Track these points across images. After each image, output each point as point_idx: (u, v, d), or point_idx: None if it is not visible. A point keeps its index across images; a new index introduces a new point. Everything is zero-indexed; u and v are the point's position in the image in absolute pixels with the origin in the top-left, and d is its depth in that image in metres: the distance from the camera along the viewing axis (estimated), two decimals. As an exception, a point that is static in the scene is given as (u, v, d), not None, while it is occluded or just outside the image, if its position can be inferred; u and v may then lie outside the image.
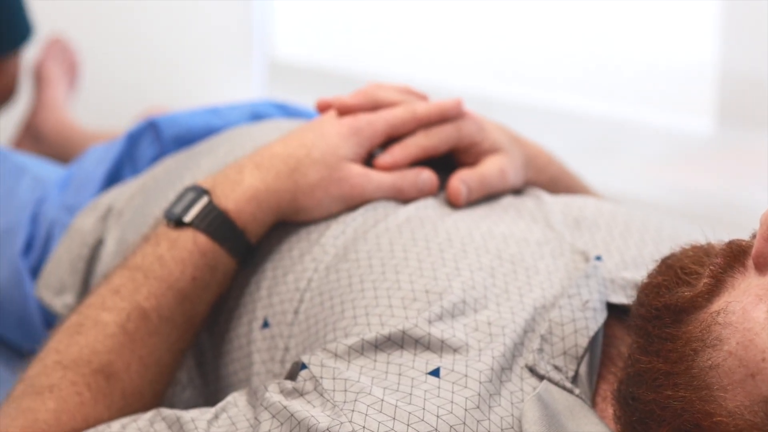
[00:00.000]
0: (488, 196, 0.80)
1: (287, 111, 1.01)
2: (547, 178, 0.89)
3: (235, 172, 0.72)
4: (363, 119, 0.75)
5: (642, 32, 1.96)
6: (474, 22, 2.23)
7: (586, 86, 2.08)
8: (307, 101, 2.60)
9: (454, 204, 0.77)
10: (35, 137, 1.72)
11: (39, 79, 1.78)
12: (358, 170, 0.74)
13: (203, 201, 0.70)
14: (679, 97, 1.94)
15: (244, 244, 0.71)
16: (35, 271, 0.94)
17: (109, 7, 2.39)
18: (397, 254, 0.68)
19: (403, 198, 0.76)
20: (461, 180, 0.77)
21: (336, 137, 0.74)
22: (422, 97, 0.82)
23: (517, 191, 0.84)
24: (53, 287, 0.90)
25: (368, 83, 0.80)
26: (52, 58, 1.80)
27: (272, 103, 1.02)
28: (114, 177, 0.95)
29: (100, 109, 2.25)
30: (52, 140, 1.68)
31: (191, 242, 0.69)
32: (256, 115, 0.98)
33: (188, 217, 0.70)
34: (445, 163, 0.82)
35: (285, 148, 0.73)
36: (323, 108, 0.79)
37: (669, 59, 1.93)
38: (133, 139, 0.96)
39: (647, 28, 1.95)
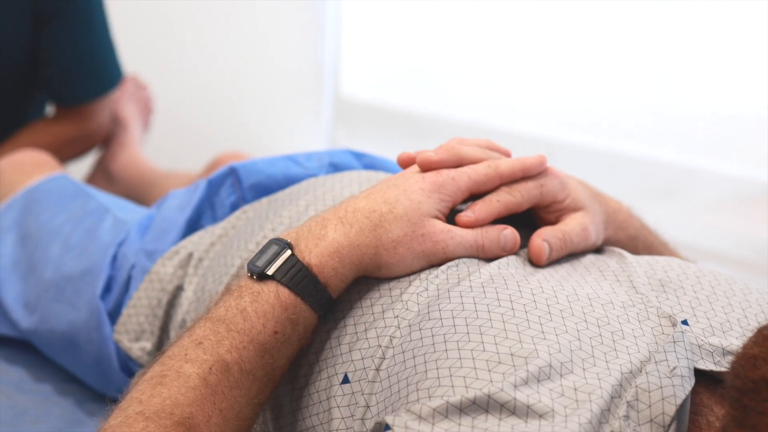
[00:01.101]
0: (570, 254, 0.79)
1: (365, 160, 1.02)
2: (627, 235, 0.88)
3: (319, 227, 0.72)
4: (446, 175, 0.75)
5: (703, 81, 1.96)
6: (541, 68, 2.23)
7: (647, 132, 2.07)
8: (372, 138, 2.63)
9: (536, 262, 0.76)
10: (108, 175, 1.74)
11: (114, 118, 1.81)
12: (441, 227, 0.73)
13: (286, 254, 0.71)
14: (739, 145, 1.93)
15: (326, 299, 0.71)
16: (113, 314, 0.95)
17: (182, 47, 2.44)
18: (482, 314, 0.67)
19: (485, 255, 0.75)
20: (543, 238, 0.76)
21: (419, 193, 0.73)
22: (505, 153, 0.82)
23: (599, 249, 0.84)
24: (132, 332, 0.91)
25: (451, 138, 0.80)
26: (127, 97, 1.82)
27: (350, 152, 1.02)
28: (194, 223, 0.96)
29: (172, 147, 2.28)
30: (124, 179, 1.71)
31: (274, 296, 0.70)
32: (334, 164, 0.99)
33: (271, 270, 0.70)
34: (526, 219, 0.81)
35: (368, 203, 0.73)
36: (405, 162, 0.79)
37: (730, 107, 1.92)
38: (214, 186, 0.97)
39: (709, 77, 1.94)
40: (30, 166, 1.22)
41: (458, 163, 0.77)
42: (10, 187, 1.19)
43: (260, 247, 0.73)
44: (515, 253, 0.77)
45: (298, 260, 0.70)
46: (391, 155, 2.47)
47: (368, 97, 2.66)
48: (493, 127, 2.34)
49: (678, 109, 2.02)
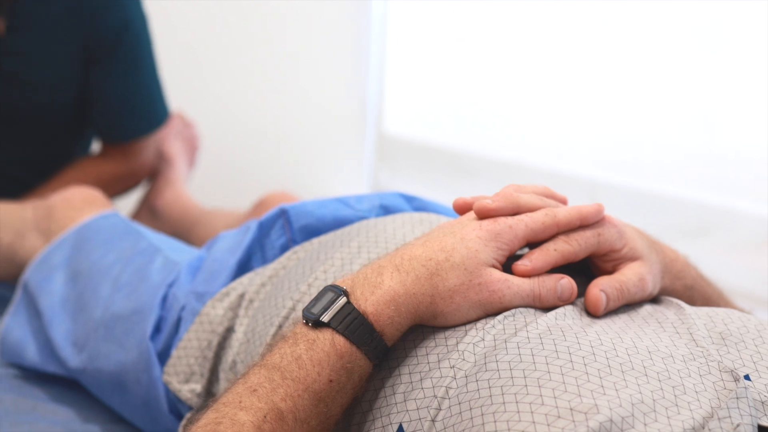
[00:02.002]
0: (627, 304, 0.78)
1: (415, 203, 1.01)
2: (684, 285, 0.87)
3: (375, 274, 0.72)
4: (503, 223, 0.74)
5: (741, 122, 1.95)
6: (583, 108, 2.22)
7: (684, 172, 2.06)
8: (414, 176, 2.62)
9: (593, 313, 0.75)
10: (153, 212, 1.75)
11: (160, 154, 1.82)
12: (498, 276, 0.73)
13: (342, 302, 0.70)
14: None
15: (382, 348, 0.70)
16: (162, 355, 0.95)
17: (227, 85, 2.47)
18: (540, 367, 0.66)
19: (542, 305, 0.74)
20: (601, 288, 0.75)
21: (476, 242, 0.73)
22: (562, 200, 0.81)
23: (655, 299, 0.82)
24: (181, 374, 0.91)
25: (507, 185, 0.80)
26: (173, 135, 1.84)
27: (400, 195, 1.02)
28: (244, 264, 0.96)
29: (216, 184, 2.30)
30: (169, 216, 1.71)
31: (329, 344, 0.69)
32: (385, 207, 0.99)
33: (327, 318, 0.70)
34: (583, 268, 0.80)
35: (425, 250, 0.73)
36: (461, 209, 0.79)
37: (762, 148, 1.90)
38: (264, 228, 0.97)
39: (746, 118, 1.93)
40: (81, 203, 1.23)
41: (515, 211, 0.76)
42: (62, 223, 1.20)
43: (315, 293, 0.72)
44: (572, 303, 0.76)
45: (354, 308, 0.70)
46: (434, 193, 2.48)
47: (411, 134, 2.67)
48: (535, 166, 2.33)
49: (715, 150, 2.01)
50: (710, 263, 1.74)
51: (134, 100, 1.66)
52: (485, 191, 2.37)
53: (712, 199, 1.99)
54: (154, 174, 1.80)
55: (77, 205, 1.22)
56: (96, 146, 1.83)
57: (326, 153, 2.67)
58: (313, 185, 2.62)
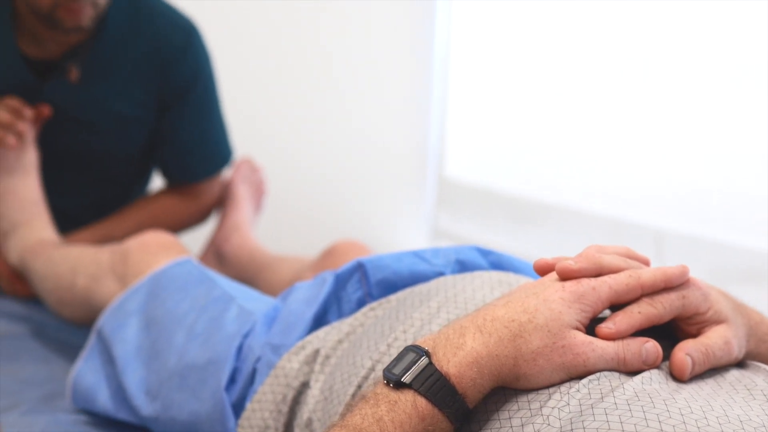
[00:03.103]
0: (712, 368, 0.76)
1: (491, 258, 1.00)
2: (769, 348, 0.85)
3: (457, 335, 0.71)
4: (587, 285, 0.73)
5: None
6: (647, 155, 2.19)
7: (748, 219, 2.02)
8: (474, 220, 2.61)
9: (678, 377, 0.73)
10: (220, 256, 1.77)
11: (226, 199, 1.84)
12: (582, 338, 0.71)
13: (424, 363, 0.69)
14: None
15: (464, 410, 0.70)
16: (236, 407, 0.95)
17: (292, 130, 2.50)
18: (628, 435, 0.64)
19: (626, 369, 0.73)
20: (686, 352, 0.74)
21: (559, 303, 0.72)
22: (644, 261, 0.80)
23: (741, 364, 0.80)
24: (255, 427, 0.91)
25: (589, 246, 0.79)
26: (241, 179, 1.86)
27: (476, 249, 1.01)
28: (320, 317, 0.96)
29: (281, 227, 2.32)
30: (236, 261, 1.73)
31: (411, 405, 0.68)
32: (461, 261, 0.98)
33: (408, 379, 0.69)
34: (666, 331, 0.79)
35: (507, 311, 0.72)
36: (543, 270, 0.78)
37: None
38: (341, 281, 0.97)
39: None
40: (156, 248, 1.25)
41: (598, 272, 0.75)
42: (137, 268, 1.22)
43: (395, 353, 0.72)
44: (657, 367, 0.74)
45: (436, 369, 0.69)
46: (495, 238, 2.46)
47: (472, 179, 2.66)
48: (598, 213, 2.30)
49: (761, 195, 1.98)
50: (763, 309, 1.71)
51: (201, 143, 1.70)
52: (547, 238, 2.36)
53: (761, 245, 1.96)
54: (220, 215, 1.82)
55: (153, 251, 1.24)
56: (157, 183, 1.86)
57: (387, 196, 2.69)
58: (375, 228, 2.64)
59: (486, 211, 2.64)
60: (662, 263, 2.02)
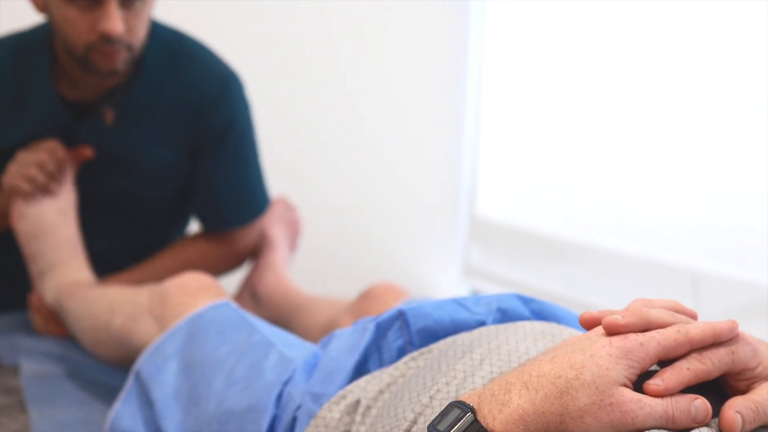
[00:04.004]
0: (763, 425, 0.75)
1: (533, 306, 1.00)
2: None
3: (502, 391, 0.70)
4: (634, 340, 0.72)
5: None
6: (683, 195, 2.17)
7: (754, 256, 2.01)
8: (506, 259, 2.60)
9: (728, 436, 0.72)
10: (255, 296, 1.76)
11: (261, 239, 1.84)
12: (630, 395, 0.70)
13: (469, 419, 0.69)
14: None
15: (510, 468, 0.69)
16: (274, 455, 0.94)
17: (325, 171, 2.52)
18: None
19: (675, 427, 0.71)
20: (736, 410, 0.72)
21: (607, 359, 0.71)
22: (691, 315, 0.79)
23: (792, 420, 0.79)
24: (296, 476, 0.90)
25: (635, 300, 0.78)
26: (276, 218, 1.85)
27: (517, 296, 1.00)
28: (361, 366, 0.95)
29: (315, 268, 2.32)
30: (271, 302, 1.72)
31: (457, 462, 0.68)
32: (502, 310, 0.97)
33: (454, 435, 0.68)
34: (714, 386, 0.78)
35: (553, 367, 0.71)
36: (588, 323, 0.77)
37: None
38: (381, 329, 0.96)
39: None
40: (195, 289, 1.25)
41: (645, 327, 0.74)
42: (176, 310, 1.22)
43: (437, 405, 0.71)
44: (706, 425, 0.73)
45: (482, 426, 0.68)
46: (528, 276, 2.44)
47: (504, 217, 2.66)
48: (632, 254, 2.28)
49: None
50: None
51: (237, 190, 1.69)
52: (581, 277, 2.34)
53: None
54: (256, 257, 1.82)
55: (191, 292, 1.24)
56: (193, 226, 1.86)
57: (420, 235, 2.70)
58: (407, 267, 2.64)
59: (519, 250, 2.63)
60: (699, 305, 2.00)
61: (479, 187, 2.71)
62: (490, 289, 2.69)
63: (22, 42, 1.58)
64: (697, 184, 2.14)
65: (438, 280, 2.71)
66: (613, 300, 2.31)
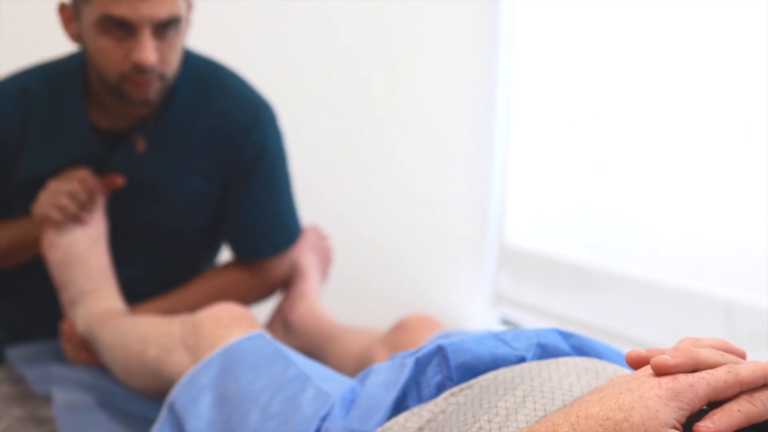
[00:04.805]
0: None
1: (572, 341, 0.98)
2: None
3: None
4: (684, 381, 0.71)
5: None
6: (712, 223, 2.15)
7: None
8: (536, 287, 2.58)
9: (781, 481, 0.70)
10: (286, 326, 1.75)
11: (293, 268, 1.83)
12: (680, 438, 0.69)
13: (516, 460, 0.68)
14: None
15: None
16: (312, 492, 0.93)
17: (357, 198, 2.52)
18: None
19: None
20: (789, 453, 0.71)
21: (656, 401, 0.69)
22: (740, 354, 0.77)
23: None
24: None
25: (683, 339, 0.76)
26: (308, 247, 1.84)
27: (557, 331, 0.99)
28: (399, 402, 0.94)
29: (345, 297, 2.32)
30: (303, 331, 1.71)
31: (504, 505, 0.66)
32: (542, 345, 0.96)
33: (500, 477, 0.67)
34: (764, 428, 0.76)
35: (602, 409, 0.70)
36: (636, 363, 0.76)
37: None
38: (420, 365, 0.95)
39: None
40: (229, 321, 1.24)
41: (695, 367, 0.73)
42: (210, 341, 1.21)
43: None
44: (758, 468, 0.71)
45: (530, 467, 0.67)
46: (558, 305, 2.41)
47: (532, 245, 2.64)
48: (664, 282, 2.26)
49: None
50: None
51: (269, 219, 1.68)
52: (612, 305, 2.30)
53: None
54: (287, 286, 1.81)
55: (225, 323, 1.23)
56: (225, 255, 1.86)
57: (448, 263, 2.69)
58: (435, 294, 2.64)
59: (548, 278, 2.61)
60: (733, 336, 1.97)
61: (508, 215, 2.70)
62: (520, 317, 2.67)
63: (56, 70, 1.59)
64: (730, 211, 2.12)
65: (467, 308, 2.70)
66: (643, 329, 2.29)
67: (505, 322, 2.74)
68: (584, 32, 2.48)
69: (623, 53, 2.36)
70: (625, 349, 1.53)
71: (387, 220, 2.60)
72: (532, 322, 2.63)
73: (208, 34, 1.92)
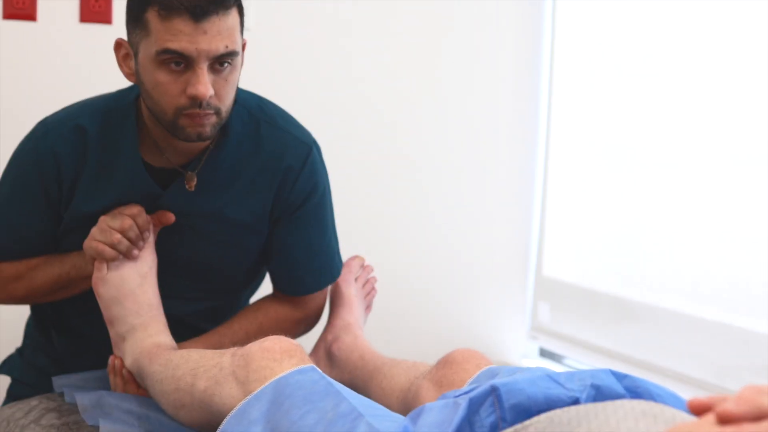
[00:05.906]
0: None
1: (626, 382, 0.98)
2: None
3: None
4: (748, 431, 0.71)
5: None
6: (753, 257, 2.12)
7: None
8: (574, 319, 2.57)
9: None
10: (330, 357, 1.75)
11: (336, 298, 1.83)
12: (744, 487, 0.69)
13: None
14: None
15: None
16: None
17: (399, 231, 2.54)
18: None
19: None
20: None
21: (721, 450, 0.69)
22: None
23: None
24: None
25: (747, 386, 0.76)
26: (351, 278, 1.84)
27: (611, 372, 0.99)
28: (453, 442, 0.94)
29: (387, 327, 2.32)
30: (347, 364, 1.70)
31: None
32: (596, 386, 0.96)
33: None
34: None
35: (666, 456, 0.70)
36: (698, 409, 0.75)
37: None
38: (474, 405, 0.95)
39: None
40: (280, 353, 1.24)
41: (759, 416, 0.72)
42: (261, 374, 1.21)
43: None
44: None
45: None
46: (596, 336, 2.40)
47: (572, 277, 2.63)
48: (702, 316, 2.23)
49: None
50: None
51: (311, 257, 1.68)
52: (652, 339, 2.28)
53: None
54: (330, 316, 1.81)
55: (276, 356, 1.23)
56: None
57: (488, 294, 2.70)
58: (475, 325, 2.64)
59: (588, 310, 2.60)
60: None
61: (547, 247, 2.70)
62: (559, 348, 2.66)
63: (108, 108, 1.60)
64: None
65: (506, 339, 2.70)
66: (683, 362, 2.27)
67: (544, 353, 2.73)
68: (621, 65, 2.49)
69: (661, 83, 2.36)
70: (670, 385, 1.52)
71: (428, 252, 2.61)
72: (571, 354, 2.62)
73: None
